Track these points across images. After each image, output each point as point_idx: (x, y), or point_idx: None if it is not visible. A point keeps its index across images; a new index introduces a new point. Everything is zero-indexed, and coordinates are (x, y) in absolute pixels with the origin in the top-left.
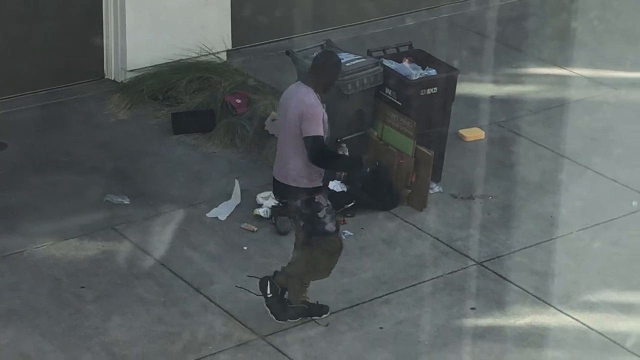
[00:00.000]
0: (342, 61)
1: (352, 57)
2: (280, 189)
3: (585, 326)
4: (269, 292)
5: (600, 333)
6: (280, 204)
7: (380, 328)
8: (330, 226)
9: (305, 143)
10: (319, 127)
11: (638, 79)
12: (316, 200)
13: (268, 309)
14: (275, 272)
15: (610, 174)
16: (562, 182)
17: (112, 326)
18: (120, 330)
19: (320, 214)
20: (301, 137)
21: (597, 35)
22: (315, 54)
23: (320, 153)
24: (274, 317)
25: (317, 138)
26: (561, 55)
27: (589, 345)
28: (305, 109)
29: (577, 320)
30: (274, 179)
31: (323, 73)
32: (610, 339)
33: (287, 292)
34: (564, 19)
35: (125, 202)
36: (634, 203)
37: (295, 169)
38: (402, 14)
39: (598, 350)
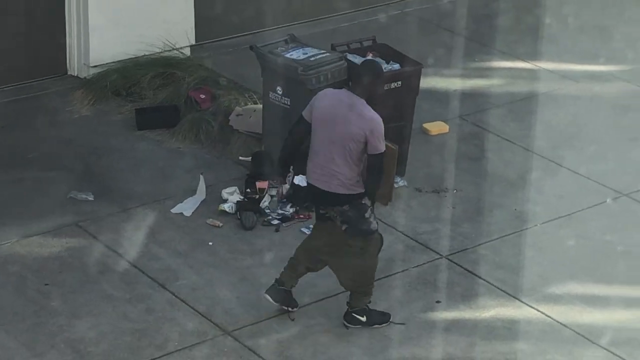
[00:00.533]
0: (306, 56)
1: (316, 51)
2: (326, 198)
3: (550, 319)
4: (364, 319)
5: (565, 325)
6: (322, 212)
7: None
8: (374, 225)
9: (374, 159)
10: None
11: (600, 71)
12: (363, 202)
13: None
14: (361, 310)
15: (575, 166)
16: (526, 175)
17: (78, 323)
18: (86, 327)
19: (367, 214)
20: (359, 149)
21: (560, 29)
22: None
23: (382, 168)
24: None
25: (383, 154)
26: (525, 49)
27: (554, 337)
28: (374, 125)
29: (542, 312)
30: (313, 188)
31: (365, 82)
32: (575, 331)
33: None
34: (527, 14)
35: (90, 199)
36: (608, 200)
37: (348, 177)
38: (367, 8)
39: (563, 342)
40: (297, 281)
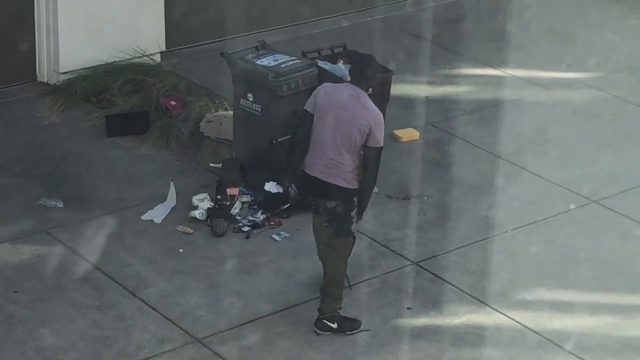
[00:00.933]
0: (276, 63)
1: (286, 58)
2: (323, 189)
3: (520, 325)
4: (335, 326)
5: (535, 332)
6: (313, 205)
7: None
8: (354, 226)
9: (373, 152)
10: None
11: (569, 79)
12: (354, 199)
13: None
14: (331, 316)
15: (545, 173)
16: (496, 182)
17: (47, 331)
18: (55, 334)
19: (352, 213)
20: (362, 142)
21: (529, 37)
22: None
23: (379, 162)
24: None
25: (381, 149)
26: (494, 56)
27: (524, 343)
28: (379, 119)
29: (512, 319)
30: (311, 177)
31: (369, 76)
32: (545, 337)
33: (324, 319)
34: (497, 21)
35: (59, 206)
36: (572, 206)
37: (350, 170)
38: (337, 15)
39: (533, 348)
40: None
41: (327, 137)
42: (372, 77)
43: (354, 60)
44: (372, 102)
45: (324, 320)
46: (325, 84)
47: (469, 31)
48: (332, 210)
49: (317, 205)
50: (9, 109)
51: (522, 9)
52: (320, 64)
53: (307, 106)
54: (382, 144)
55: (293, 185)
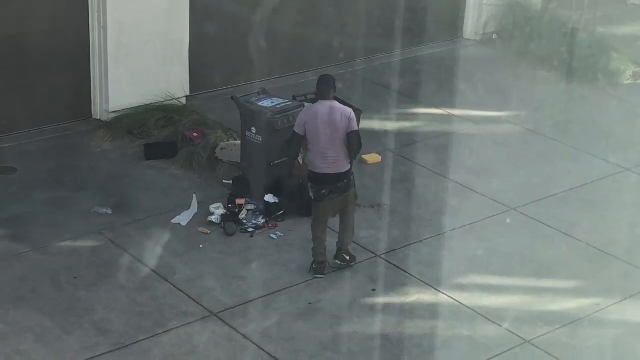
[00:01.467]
0: (273, 104)
1: (281, 101)
2: (334, 178)
3: (457, 302)
4: (347, 258)
5: (468, 307)
6: (323, 192)
7: (310, 304)
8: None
9: (353, 134)
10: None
11: (493, 116)
12: (352, 172)
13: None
14: (351, 257)
15: (475, 187)
16: (439, 194)
17: (99, 307)
18: (105, 310)
19: (352, 177)
20: (345, 134)
21: (466, 86)
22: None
23: (360, 141)
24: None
25: (358, 132)
26: (437, 100)
27: (460, 317)
28: (349, 112)
29: (451, 297)
30: (326, 175)
31: (333, 88)
32: (476, 312)
33: (343, 253)
34: (442, 73)
35: (109, 212)
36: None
37: (344, 157)
38: (319, 68)
39: (467, 320)
40: (326, 254)
41: (326, 143)
42: (331, 86)
43: (319, 83)
44: (341, 104)
45: (343, 255)
46: (306, 108)
47: (419, 80)
48: (345, 184)
49: (330, 189)
50: (70, 139)
51: (461, 64)
52: (307, 105)
53: (297, 129)
54: (356, 129)
55: (301, 157)
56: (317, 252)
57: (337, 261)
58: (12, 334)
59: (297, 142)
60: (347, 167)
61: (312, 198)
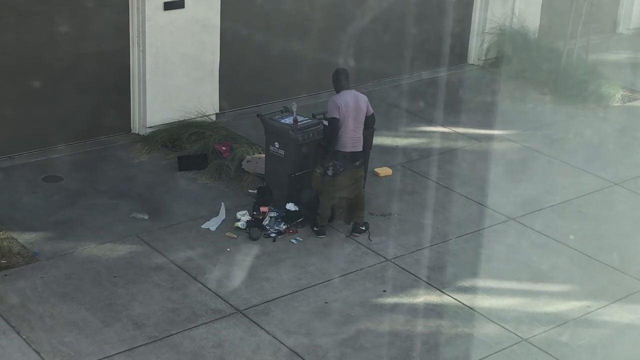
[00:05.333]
0: (297, 122)
1: (302, 118)
2: (356, 155)
3: (461, 303)
4: (364, 228)
5: (470, 308)
6: (356, 165)
7: (326, 303)
8: None
9: (371, 118)
10: None
11: (494, 134)
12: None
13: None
14: (364, 224)
15: (477, 199)
16: (444, 204)
17: (136, 304)
18: (142, 306)
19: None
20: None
21: (468, 105)
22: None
23: (374, 122)
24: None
25: (373, 114)
26: (444, 119)
27: (463, 316)
28: (367, 99)
29: (455, 299)
30: (354, 153)
31: (345, 78)
32: (477, 312)
33: (360, 226)
34: (448, 94)
35: (145, 218)
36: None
37: (361, 138)
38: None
39: (469, 319)
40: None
41: (354, 125)
42: (349, 78)
43: (338, 79)
44: (358, 92)
45: (361, 227)
46: (338, 95)
47: (427, 101)
48: (361, 163)
49: (351, 167)
50: (110, 151)
51: (466, 87)
52: (324, 122)
53: (334, 114)
54: (372, 112)
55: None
56: (322, 219)
57: (357, 232)
58: (57, 327)
59: (336, 125)
60: (361, 148)
61: (331, 175)
